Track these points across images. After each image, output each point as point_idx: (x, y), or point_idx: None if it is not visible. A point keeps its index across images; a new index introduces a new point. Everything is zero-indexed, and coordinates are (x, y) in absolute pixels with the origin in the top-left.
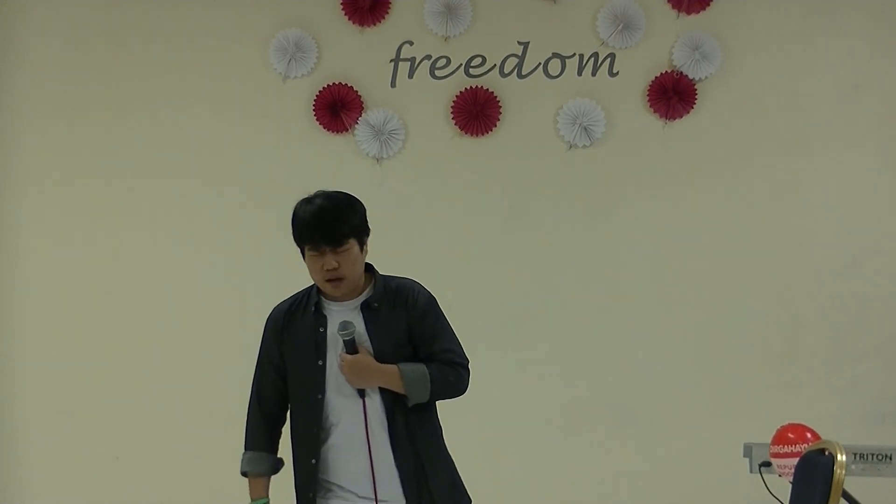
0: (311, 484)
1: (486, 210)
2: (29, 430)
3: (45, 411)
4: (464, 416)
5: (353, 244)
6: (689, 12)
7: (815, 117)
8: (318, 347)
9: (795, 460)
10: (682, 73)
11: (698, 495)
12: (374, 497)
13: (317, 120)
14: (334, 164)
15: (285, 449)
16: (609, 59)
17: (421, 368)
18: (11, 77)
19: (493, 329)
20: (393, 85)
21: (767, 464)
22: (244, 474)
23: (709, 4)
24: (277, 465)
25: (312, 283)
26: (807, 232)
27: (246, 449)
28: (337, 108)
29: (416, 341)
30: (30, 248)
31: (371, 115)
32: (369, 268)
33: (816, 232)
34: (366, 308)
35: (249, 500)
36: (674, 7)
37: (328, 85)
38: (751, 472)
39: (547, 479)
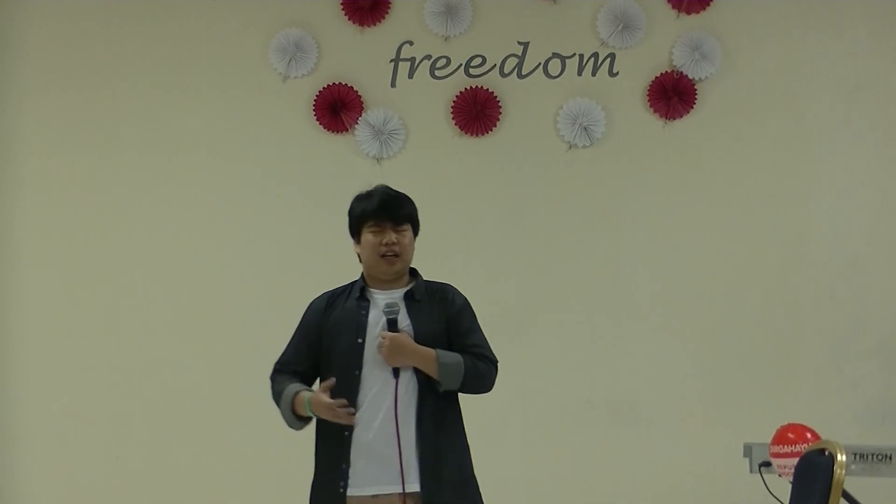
0: (344, 455)
1: (486, 210)
2: (29, 430)
3: (45, 411)
4: (464, 416)
5: (409, 229)
6: (689, 12)
7: (815, 117)
8: (360, 327)
9: (795, 460)
10: (682, 73)
11: (698, 495)
12: (400, 480)
13: (317, 120)
14: (334, 164)
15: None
16: (609, 59)
17: (456, 356)
18: (12, 77)
19: (492, 328)
20: (393, 85)
21: (767, 464)
22: (295, 397)
23: (709, 4)
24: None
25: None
26: (807, 232)
27: (281, 392)
28: (337, 108)
29: (452, 335)
30: (30, 248)
31: (371, 115)
32: (411, 270)
33: (816, 232)
34: (409, 298)
35: (307, 409)
36: (674, 7)
37: (328, 85)
38: (751, 472)
39: (547, 478)
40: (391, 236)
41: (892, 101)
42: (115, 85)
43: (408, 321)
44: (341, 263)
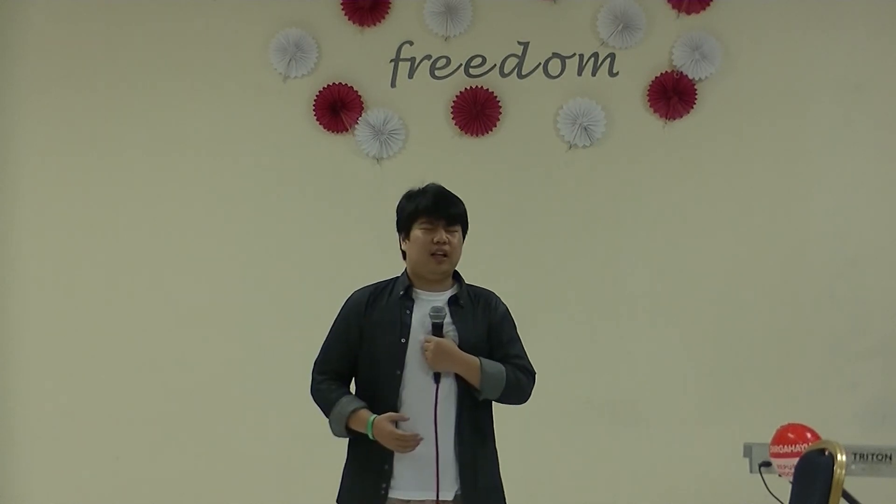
0: (387, 456)
1: (486, 210)
2: (29, 430)
3: (45, 411)
4: None
5: (459, 230)
6: (689, 12)
7: (815, 117)
8: (403, 327)
9: (795, 460)
10: (682, 73)
11: (698, 495)
12: (435, 487)
13: (317, 120)
14: (334, 164)
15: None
16: (609, 59)
17: (500, 367)
18: (12, 76)
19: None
20: (393, 85)
21: (767, 464)
22: (352, 413)
23: (709, 4)
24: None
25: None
26: (807, 232)
27: (334, 402)
28: (337, 108)
29: (493, 344)
30: (30, 248)
31: (371, 115)
32: (455, 274)
33: (816, 232)
34: (454, 302)
35: (367, 430)
36: (674, 7)
37: (328, 85)
38: (751, 472)
39: (547, 478)
40: (442, 235)
41: (892, 101)
42: (114, 84)
43: (452, 326)
44: (342, 263)
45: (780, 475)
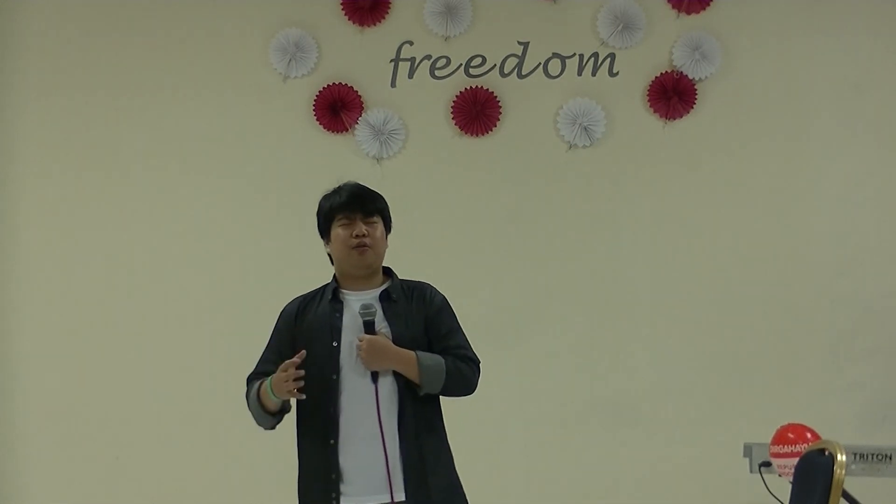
0: (331, 467)
1: (486, 210)
2: (29, 430)
3: (45, 411)
4: (464, 416)
5: (380, 222)
6: (689, 12)
7: (815, 117)
8: (334, 330)
9: (795, 460)
10: (682, 73)
11: (698, 495)
12: (388, 489)
13: (317, 120)
14: (334, 164)
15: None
16: (609, 59)
17: (438, 358)
18: (12, 76)
19: (492, 329)
20: (393, 85)
21: (767, 464)
22: (258, 392)
23: (709, 4)
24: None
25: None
26: (807, 232)
27: (250, 392)
28: (337, 108)
29: (431, 336)
30: (30, 247)
31: (371, 115)
32: (386, 269)
33: (816, 232)
34: (385, 298)
35: (269, 393)
36: (674, 7)
37: (328, 85)
38: (751, 472)
39: (547, 478)
40: (361, 227)
41: (892, 101)
42: (114, 84)
43: (385, 323)
44: None
45: (780, 475)
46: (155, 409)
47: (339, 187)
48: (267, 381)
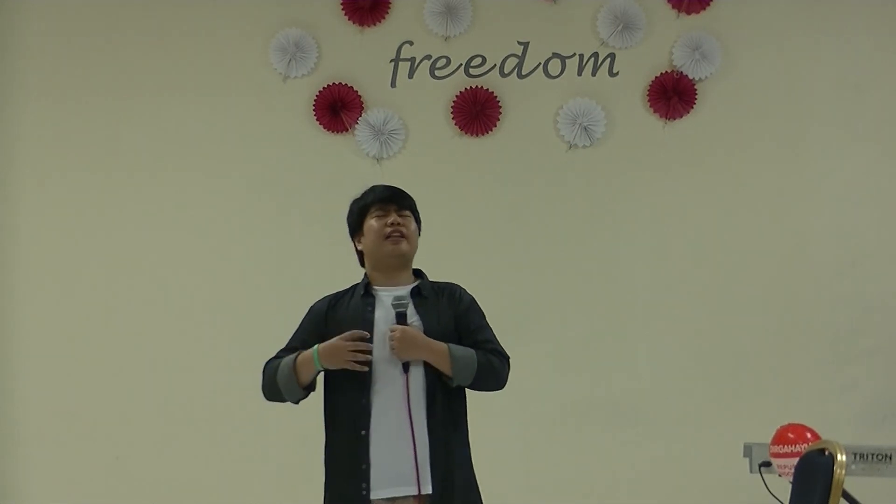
0: (361, 458)
1: (486, 210)
2: (29, 430)
3: (45, 411)
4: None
5: (412, 218)
6: (689, 12)
7: (815, 117)
8: (367, 323)
9: (795, 460)
10: (682, 73)
11: (698, 495)
12: (416, 481)
13: (317, 120)
14: (334, 164)
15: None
16: (609, 59)
17: (469, 350)
18: (12, 76)
19: (493, 328)
20: (393, 85)
21: (767, 464)
22: (296, 361)
23: (709, 4)
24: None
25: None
26: (807, 232)
27: (276, 368)
28: (337, 107)
29: (461, 333)
30: (30, 247)
31: (371, 115)
32: (416, 271)
33: (816, 232)
34: (416, 294)
35: (315, 362)
36: (674, 7)
37: (328, 85)
38: (751, 472)
39: (546, 478)
40: (396, 218)
41: (892, 101)
42: (114, 85)
43: (416, 317)
44: (341, 263)
45: (780, 475)
46: (155, 409)
47: (370, 187)
48: (312, 350)
